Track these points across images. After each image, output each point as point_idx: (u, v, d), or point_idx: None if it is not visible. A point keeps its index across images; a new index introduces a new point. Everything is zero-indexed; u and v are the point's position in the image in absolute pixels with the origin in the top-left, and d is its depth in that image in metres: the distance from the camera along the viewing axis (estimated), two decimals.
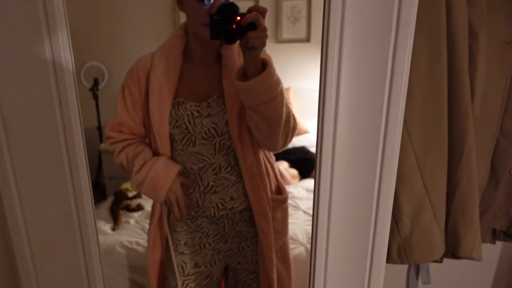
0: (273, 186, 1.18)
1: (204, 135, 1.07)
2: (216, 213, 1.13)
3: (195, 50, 1.07)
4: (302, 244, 1.78)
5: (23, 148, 0.60)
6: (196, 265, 1.18)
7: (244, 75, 0.93)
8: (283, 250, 1.25)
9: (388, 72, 0.48)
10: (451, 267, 1.43)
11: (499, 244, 1.46)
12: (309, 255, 1.80)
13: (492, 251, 1.49)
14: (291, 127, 1.03)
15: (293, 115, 1.04)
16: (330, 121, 0.49)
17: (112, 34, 3.21)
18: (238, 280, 1.25)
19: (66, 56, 0.59)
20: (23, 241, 0.60)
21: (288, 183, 2.55)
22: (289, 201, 2.30)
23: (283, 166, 2.67)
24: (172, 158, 1.12)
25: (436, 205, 0.91)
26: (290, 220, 2.01)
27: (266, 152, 1.16)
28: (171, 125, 1.07)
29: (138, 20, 2.92)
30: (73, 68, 0.60)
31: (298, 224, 1.92)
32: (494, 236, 1.19)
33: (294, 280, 1.62)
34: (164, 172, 1.07)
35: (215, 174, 1.09)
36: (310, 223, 2.10)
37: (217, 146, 1.08)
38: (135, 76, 1.08)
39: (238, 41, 0.89)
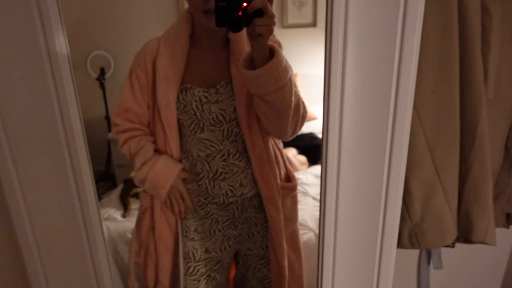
0: (283, 174, 1.17)
1: (212, 121, 1.06)
2: (226, 200, 1.13)
3: (201, 36, 1.06)
4: (312, 230, 1.78)
5: (22, 139, 0.60)
6: (206, 250, 1.19)
7: (251, 63, 0.91)
8: (293, 237, 1.25)
9: (397, 53, 0.45)
10: (464, 252, 1.41)
11: None
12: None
13: (505, 235, 1.47)
14: (300, 116, 1.01)
15: (303, 103, 1.02)
16: (336, 106, 0.47)
17: (117, 23, 3.20)
18: (249, 265, 1.26)
19: (61, 45, 0.57)
20: (27, 233, 0.60)
21: (296, 170, 2.54)
22: (298, 187, 2.30)
23: (291, 153, 2.65)
24: (180, 144, 1.12)
25: (448, 189, 0.89)
26: (299, 206, 2.01)
27: (275, 139, 1.15)
28: (178, 110, 1.06)
29: (143, 9, 2.90)
30: (68, 58, 0.59)
31: (307, 210, 1.92)
32: (508, 220, 1.17)
33: (304, 266, 1.63)
34: (164, 173, 1.07)
35: (224, 160, 1.09)
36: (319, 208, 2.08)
37: (225, 133, 1.07)
38: (141, 61, 1.07)
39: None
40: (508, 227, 1.19)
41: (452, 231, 0.93)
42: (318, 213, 1.91)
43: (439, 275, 1.43)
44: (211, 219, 1.17)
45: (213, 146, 1.08)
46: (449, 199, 0.91)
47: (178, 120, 1.08)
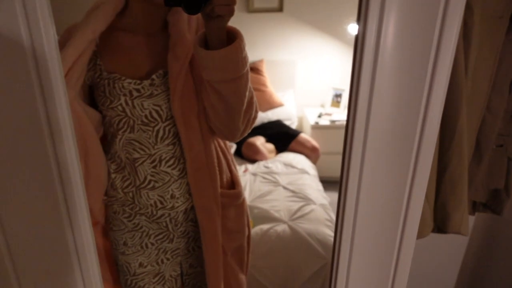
0: (225, 179, 1.04)
1: (144, 119, 0.90)
2: (155, 212, 0.99)
3: (136, 16, 0.88)
4: (285, 222, 1.78)
5: None
6: (140, 265, 1.05)
7: (205, 46, 0.80)
8: (240, 253, 1.11)
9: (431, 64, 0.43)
10: (427, 238, 1.47)
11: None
12: (293, 232, 1.77)
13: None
14: (252, 117, 0.92)
15: (255, 102, 0.92)
16: (364, 108, 0.44)
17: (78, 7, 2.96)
18: (194, 284, 1.13)
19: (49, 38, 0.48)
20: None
21: (265, 158, 2.53)
22: (268, 176, 2.30)
23: (260, 141, 2.64)
24: (105, 145, 0.97)
25: (428, 183, 0.91)
26: (270, 197, 2.01)
27: (219, 140, 1.02)
28: (104, 106, 0.90)
29: None
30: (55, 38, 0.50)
31: (280, 201, 1.93)
32: (474, 208, 1.23)
33: (279, 258, 1.63)
34: None
35: (154, 167, 0.94)
36: (291, 199, 2.09)
37: (160, 134, 0.92)
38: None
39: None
40: (473, 214, 1.26)
41: (429, 224, 0.96)
42: (290, 203, 1.92)
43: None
44: (141, 232, 1.02)
45: (143, 150, 0.93)
46: (428, 193, 0.93)
47: (105, 117, 0.93)
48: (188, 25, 0.90)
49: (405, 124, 0.47)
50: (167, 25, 0.90)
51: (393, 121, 0.47)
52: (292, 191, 2.02)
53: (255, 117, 0.95)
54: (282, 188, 2.08)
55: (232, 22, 0.80)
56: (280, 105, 3.01)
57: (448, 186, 0.94)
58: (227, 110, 0.86)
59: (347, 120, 0.50)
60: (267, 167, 2.39)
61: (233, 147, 2.61)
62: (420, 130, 0.46)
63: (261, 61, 3.12)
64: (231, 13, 0.74)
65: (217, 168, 0.98)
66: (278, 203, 1.91)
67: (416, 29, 0.44)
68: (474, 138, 1.04)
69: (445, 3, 0.42)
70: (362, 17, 0.43)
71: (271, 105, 2.98)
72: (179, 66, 0.87)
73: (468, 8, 0.86)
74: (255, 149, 2.54)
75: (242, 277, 1.13)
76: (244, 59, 0.79)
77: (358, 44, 0.44)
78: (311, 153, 2.60)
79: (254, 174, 2.31)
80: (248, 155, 2.58)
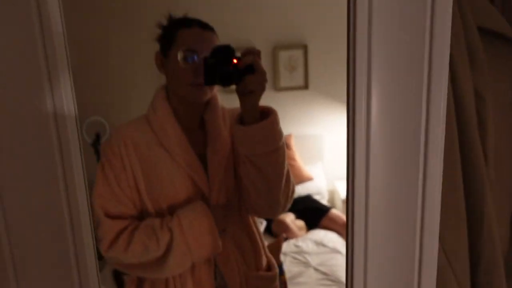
0: (264, 262, 1.06)
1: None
2: None
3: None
4: None
5: (19, 209, 0.56)
6: None
7: (241, 124, 0.87)
8: None
9: (423, 121, 0.46)
10: None
11: None
12: None
13: None
14: (290, 189, 0.96)
15: (291, 175, 0.97)
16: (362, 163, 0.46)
17: (114, 89, 3.27)
18: None
19: (69, 107, 0.55)
20: None
21: (295, 236, 2.47)
22: (299, 256, 2.24)
23: (289, 218, 2.60)
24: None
25: (461, 277, 0.86)
26: (300, 279, 1.93)
27: (255, 221, 1.07)
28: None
29: (141, 76, 2.99)
30: (77, 122, 0.57)
31: (310, 284, 1.84)
32: None
33: None
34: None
35: None
36: (323, 282, 2.00)
37: None
38: (119, 150, 0.97)
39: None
40: None
41: None
42: (322, 287, 1.83)
43: None
44: None
45: None
46: (461, 285, 0.88)
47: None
48: (223, 122, 1.00)
49: (404, 199, 0.48)
50: (203, 122, 1.01)
51: (392, 196, 0.48)
52: (324, 273, 1.94)
53: (293, 191, 0.98)
54: (313, 270, 2.00)
55: (262, 101, 0.87)
56: (309, 179, 3.01)
57: (484, 278, 0.89)
58: (267, 184, 0.89)
59: (347, 200, 0.51)
60: (297, 246, 2.33)
61: (262, 225, 2.59)
62: (421, 207, 0.47)
63: (289, 135, 3.21)
64: (262, 89, 0.82)
65: (256, 249, 1.02)
66: (308, 287, 1.83)
67: (403, 107, 0.46)
68: (508, 225, 1.00)
69: (428, 89, 0.45)
70: (350, 101, 0.47)
71: (300, 179, 2.99)
72: (218, 160, 0.95)
73: (481, 98, 0.88)
74: (285, 226, 2.50)
75: None
76: (280, 131, 0.85)
77: (350, 126, 0.48)
78: (343, 230, 2.52)
79: (284, 254, 2.26)
80: (278, 232, 2.54)
